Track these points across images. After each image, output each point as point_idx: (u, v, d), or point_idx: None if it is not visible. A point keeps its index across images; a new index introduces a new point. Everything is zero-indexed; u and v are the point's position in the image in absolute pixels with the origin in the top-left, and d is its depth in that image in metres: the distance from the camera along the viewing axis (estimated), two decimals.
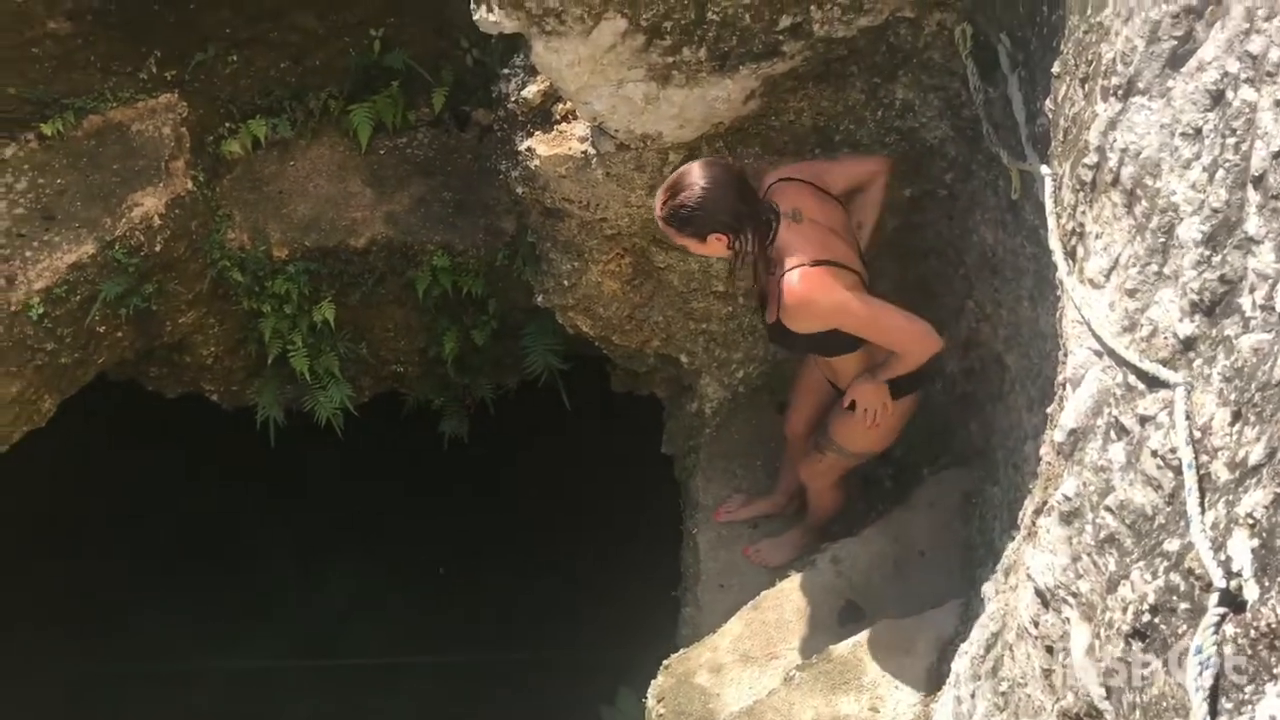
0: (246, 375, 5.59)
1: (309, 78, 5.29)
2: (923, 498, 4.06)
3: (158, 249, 4.86)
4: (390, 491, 6.62)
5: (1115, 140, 2.31)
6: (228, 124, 5.27)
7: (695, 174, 3.14)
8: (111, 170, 4.93)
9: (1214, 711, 1.58)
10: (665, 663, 3.97)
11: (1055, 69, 2.82)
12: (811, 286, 3.16)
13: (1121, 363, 2.15)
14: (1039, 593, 2.37)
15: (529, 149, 4.16)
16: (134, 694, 6.19)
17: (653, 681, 3.94)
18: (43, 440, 5.00)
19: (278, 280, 5.13)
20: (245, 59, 5.15)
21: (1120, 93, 2.29)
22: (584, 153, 4.03)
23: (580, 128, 4.04)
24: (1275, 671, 1.49)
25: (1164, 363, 2.01)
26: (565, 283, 4.60)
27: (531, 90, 4.18)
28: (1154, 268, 2.11)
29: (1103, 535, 2.11)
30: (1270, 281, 1.73)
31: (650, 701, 3.87)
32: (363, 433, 5.68)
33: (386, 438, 6.02)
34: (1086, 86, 2.56)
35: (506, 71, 4.37)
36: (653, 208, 3.27)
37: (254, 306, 5.20)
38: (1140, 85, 2.21)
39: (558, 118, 4.13)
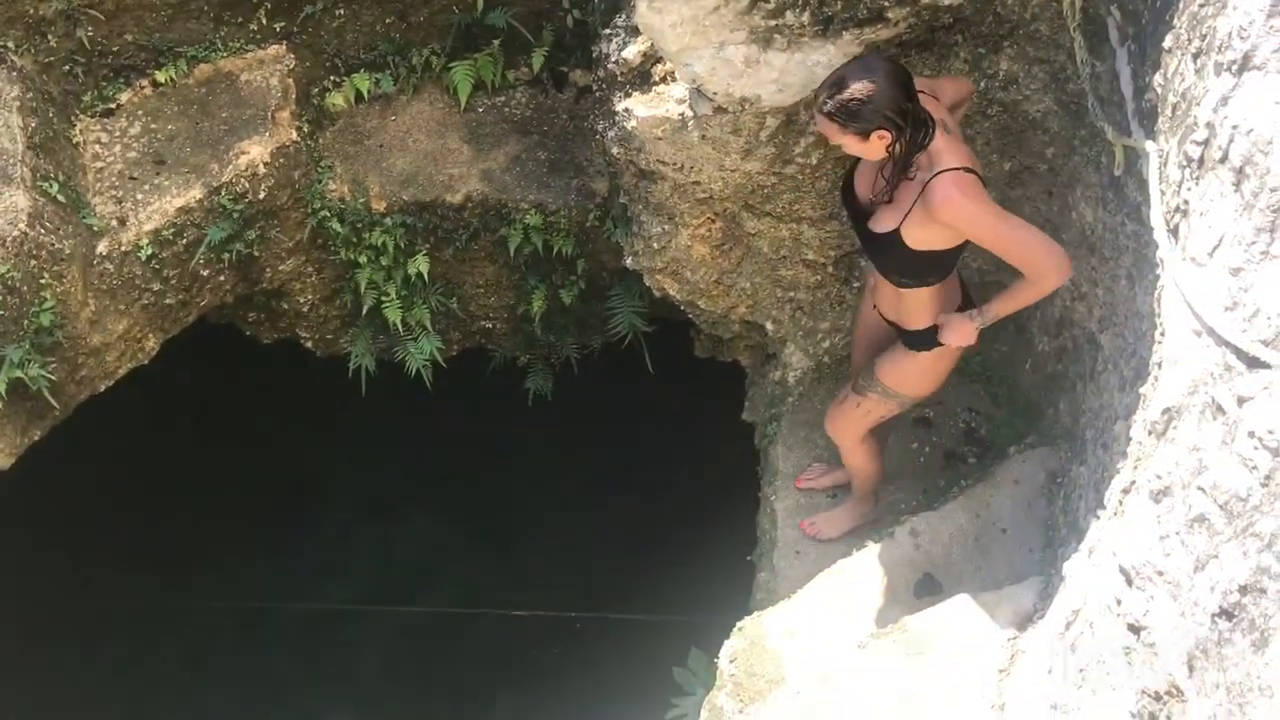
0: (341, 324, 5.71)
1: (412, 34, 5.37)
2: (1007, 475, 4.03)
3: (261, 196, 4.99)
4: (473, 445, 6.73)
5: (1226, 116, 2.27)
6: (332, 77, 5.37)
7: (866, 68, 3.04)
8: (220, 118, 5.07)
9: None
10: (739, 624, 4.01)
11: (1167, 43, 2.77)
12: (968, 191, 3.08)
13: (1222, 342, 2.13)
14: (1123, 571, 2.36)
15: (626, 109, 4.18)
16: (213, 629, 6.43)
17: (726, 642, 3.97)
18: (134, 383, 5.19)
19: (375, 232, 5.23)
20: (352, 13, 5.23)
21: (1235, 68, 2.25)
22: (681, 115, 4.03)
23: (678, 89, 4.05)
24: None
25: (1266, 343, 1.99)
26: (655, 245, 4.62)
27: (632, 51, 4.20)
28: (1260, 247, 2.08)
29: (1192, 514, 2.10)
30: None
31: (723, 662, 3.91)
32: (449, 386, 5.78)
33: (472, 392, 6.12)
34: (1199, 61, 2.51)
35: (607, 32, 4.39)
36: (816, 108, 3.11)
37: (351, 257, 5.31)
38: (1256, 60, 2.17)
39: (656, 79, 4.14)
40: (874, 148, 3.09)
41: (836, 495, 4.56)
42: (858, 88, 2.99)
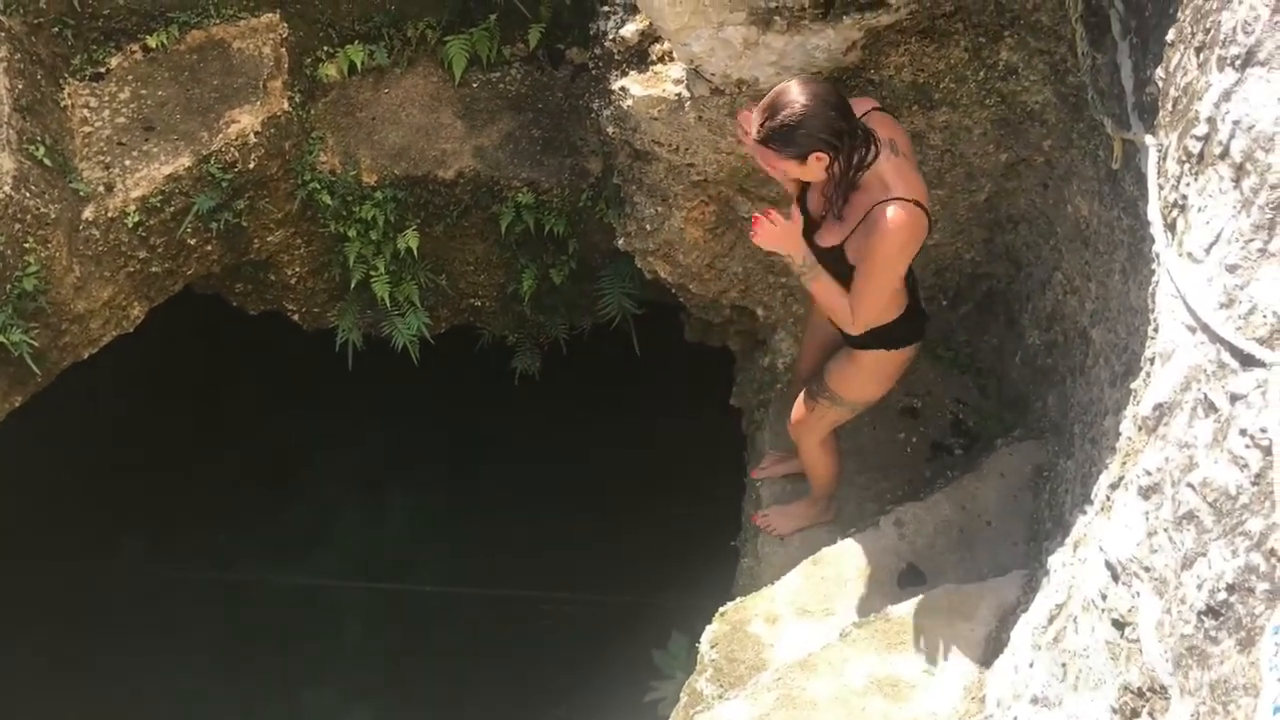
0: (328, 298, 5.66)
1: (408, 6, 5.31)
2: (994, 467, 4.03)
3: (251, 166, 4.94)
4: (458, 424, 6.71)
5: (1228, 112, 2.25)
6: (326, 48, 5.32)
7: (795, 91, 3.02)
8: (211, 85, 5.01)
9: None
10: (721, 610, 4.00)
11: (1170, 36, 2.74)
12: (913, 228, 3.12)
13: (1216, 339, 2.11)
14: (1109, 566, 2.35)
15: (623, 89, 4.15)
16: (194, 600, 6.41)
17: (707, 627, 3.97)
18: (119, 354, 5.14)
19: (365, 206, 5.19)
20: None
21: (1238, 63, 2.22)
22: (678, 95, 4.00)
23: (675, 70, 4.02)
24: None
25: (1261, 341, 1.97)
26: (648, 227, 4.59)
27: (629, 29, 4.16)
28: (1258, 244, 2.06)
29: (1181, 511, 2.09)
30: None
31: (704, 646, 3.91)
32: (436, 363, 5.75)
33: (459, 370, 6.10)
34: (1201, 55, 2.49)
35: (606, 9, 4.34)
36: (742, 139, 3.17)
37: (340, 230, 5.26)
38: (1260, 56, 2.15)
39: (654, 58, 4.10)
40: (812, 170, 3.11)
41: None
42: (788, 112, 3.00)
